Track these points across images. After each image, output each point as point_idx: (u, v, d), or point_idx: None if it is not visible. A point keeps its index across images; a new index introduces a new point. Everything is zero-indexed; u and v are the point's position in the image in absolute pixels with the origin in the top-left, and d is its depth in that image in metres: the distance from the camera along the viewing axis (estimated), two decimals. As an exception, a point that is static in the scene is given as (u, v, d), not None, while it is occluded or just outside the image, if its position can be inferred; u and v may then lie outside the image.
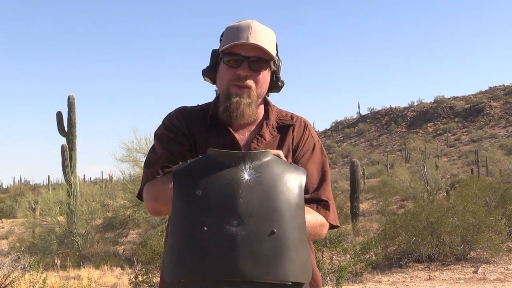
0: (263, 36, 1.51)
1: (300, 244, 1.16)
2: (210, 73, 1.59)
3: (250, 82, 1.51)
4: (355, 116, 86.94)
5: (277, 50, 1.58)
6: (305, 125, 1.65)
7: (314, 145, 1.62)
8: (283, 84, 1.63)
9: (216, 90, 1.65)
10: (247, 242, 1.11)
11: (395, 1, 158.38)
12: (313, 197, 1.53)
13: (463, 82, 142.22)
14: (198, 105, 1.67)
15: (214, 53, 1.59)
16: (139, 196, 1.57)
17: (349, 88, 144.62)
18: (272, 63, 1.56)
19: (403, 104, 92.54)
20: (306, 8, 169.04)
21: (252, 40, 1.48)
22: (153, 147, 1.60)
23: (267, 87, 1.58)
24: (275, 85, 1.61)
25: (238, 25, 1.53)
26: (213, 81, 1.62)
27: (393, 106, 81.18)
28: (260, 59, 1.51)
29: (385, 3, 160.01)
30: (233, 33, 1.52)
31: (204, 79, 1.64)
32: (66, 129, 14.99)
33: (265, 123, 1.60)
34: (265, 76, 1.55)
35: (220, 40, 1.58)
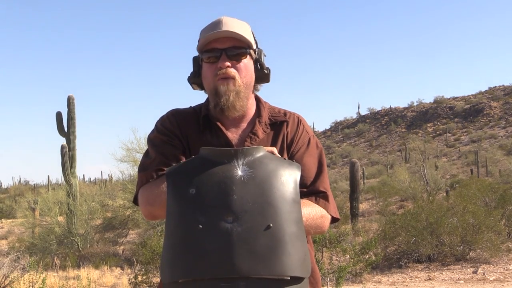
0: (235, 26, 1.50)
1: (297, 238, 1.15)
2: (195, 78, 1.59)
3: (232, 72, 1.50)
4: (354, 116, 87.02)
5: (256, 41, 1.58)
6: (299, 121, 1.63)
7: (309, 139, 1.61)
8: (269, 71, 1.61)
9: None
10: (243, 238, 1.10)
11: (395, 1, 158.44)
12: (311, 189, 1.52)
13: (462, 83, 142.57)
14: (190, 106, 1.67)
15: (195, 59, 1.59)
16: (135, 201, 1.56)
17: (349, 89, 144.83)
18: (251, 51, 1.55)
19: (402, 104, 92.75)
20: (305, 8, 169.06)
21: (225, 29, 1.48)
22: (146, 151, 1.59)
23: (253, 76, 1.57)
24: (261, 73, 1.59)
25: (210, 24, 1.54)
26: (201, 87, 1.61)
27: (392, 106, 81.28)
28: (237, 48, 1.51)
29: (385, 3, 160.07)
30: (206, 32, 1.52)
31: (193, 88, 1.63)
32: (65, 129, 14.96)
33: (258, 121, 1.58)
34: (246, 65, 1.53)
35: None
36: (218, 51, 1.50)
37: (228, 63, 1.49)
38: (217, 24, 1.50)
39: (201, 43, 1.53)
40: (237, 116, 1.55)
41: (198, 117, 1.60)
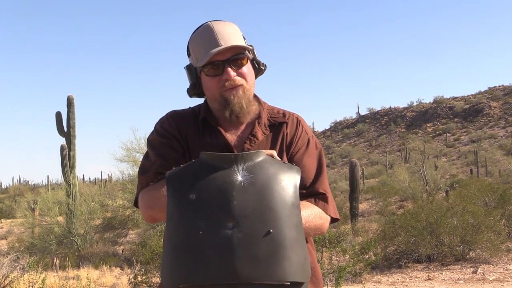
0: (229, 34, 1.51)
1: (297, 243, 1.15)
2: (195, 90, 1.59)
3: (240, 80, 1.51)
4: (354, 116, 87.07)
5: (244, 38, 1.58)
6: (298, 121, 1.63)
7: (309, 140, 1.61)
8: (266, 66, 1.62)
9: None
10: (243, 244, 1.10)
11: (395, 2, 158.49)
12: (310, 191, 1.52)
13: (462, 83, 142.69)
14: (189, 107, 1.67)
15: (190, 69, 1.58)
16: (135, 203, 1.56)
17: (349, 89, 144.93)
18: (247, 52, 1.55)
19: (402, 104, 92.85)
20: (305, 8, 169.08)
21: (223, 42, 1.47)
22: (146, 154, 1.59)
23: (254, 76, 1.58)
24: (259, 70, 1.61)
25: (202, 34, 1.52)
26: (200, 95, 1.61)
27: (392, 106, 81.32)
28: (237, 55, 1.51)
29: (385, 3, 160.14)
30: (202, 44, 1.51)
31: (192, 97, 1.63)
32: (65, 129, 14.97)
33: (257, 122, 1.58)
34: (248, 68, 1.55)
35: (188, 54, 1.58)
36: (220, 62, 1.49)
37: (233, 73, 1.50)
38: (211, 36, 1.49)
39: (201, 59, 1.50)
40: (248, 120, 1.56)
41: (197, 118, 1.60)
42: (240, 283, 1.09)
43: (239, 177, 1.16)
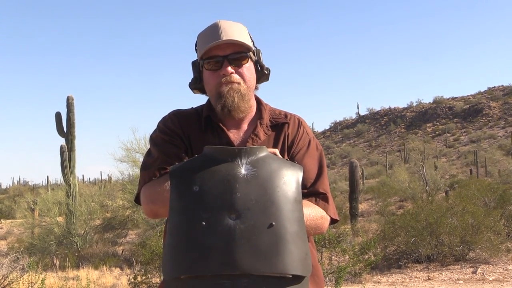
0: (234, 31, 1.52)
1: (299, 237, 1.16)
2: (196, 84, 1.60)
3: (236, 78, 1.52)
4: (354, 116, 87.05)
5: (252, 41, 1.59)
6: (299, 122, 1.65)
7: (310, 141, 1.63)
8: (269, 71, 1.63)
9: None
10: (246, 235, 1.11)
11: (394, 2, 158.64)
12: (311, 190, 1.54)
13: (462, 83, 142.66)
14: (192, 107, 1.68)
15: (195, 64, 1.60)
16: (137, 200, 1.56)
17: (348, 89, 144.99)
18: (251, 53, 1.56)
19: (402, 104, 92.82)
20: (305, 8, 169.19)
21: (225, 37, 1.49)
22: (149, 151, 1.60)
23: (254, 77, 1.59)
24: (262, 74, 1.61)
25: (208, 29, 1.54)
26: (202, 91, 1.63)
27: (392, 106, 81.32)
28: (239, 53, 1.52)
29: (384, 3, 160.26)
30: (205, 38, 1.53)
31: (194, 92, 1.65)
32: (65, 129, 14.96)
33: (259, 123, 1.60)
34: (249, 69, 1.55)
35: (196, 50, 1.59)
36: (220, 58, 1.51)
37: (231, 70, 1.51)
38: (215, 30, 1.51)
39: (201, 51, 1.53)
40: (240, 117, 1.57)
41: (200, 117, 1.61)
42: (242, 274, 1.10)
43: (243, 171, 1.18)
